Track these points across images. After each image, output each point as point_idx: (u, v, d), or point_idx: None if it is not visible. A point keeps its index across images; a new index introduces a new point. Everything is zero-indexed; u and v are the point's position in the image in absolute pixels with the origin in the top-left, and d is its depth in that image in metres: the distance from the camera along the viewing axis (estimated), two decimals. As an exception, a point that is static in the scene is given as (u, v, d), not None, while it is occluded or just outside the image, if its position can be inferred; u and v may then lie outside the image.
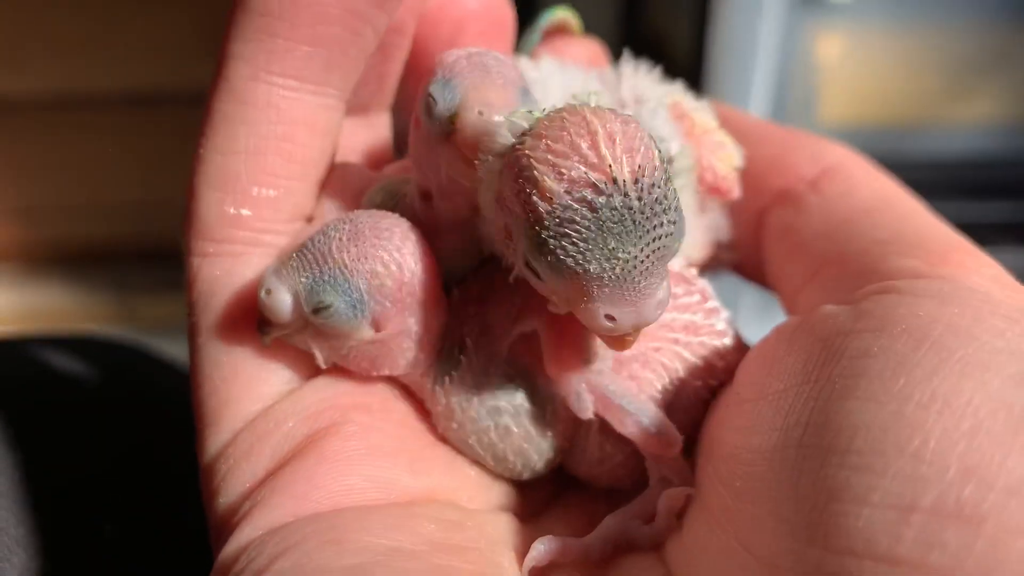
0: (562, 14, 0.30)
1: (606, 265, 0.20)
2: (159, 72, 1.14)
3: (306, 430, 0.24)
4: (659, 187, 0.20)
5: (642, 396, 0.24)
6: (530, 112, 0.21)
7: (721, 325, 0.26)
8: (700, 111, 0.28)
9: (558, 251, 0.20)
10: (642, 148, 0.20)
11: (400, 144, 0.29)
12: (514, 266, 0.22)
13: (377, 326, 0.24)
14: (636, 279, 0.20)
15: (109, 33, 1.12)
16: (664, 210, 0.20)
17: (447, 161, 0.23)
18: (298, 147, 0.25)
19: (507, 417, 0.25)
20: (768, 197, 0.28)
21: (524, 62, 0.27)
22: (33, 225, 1.19)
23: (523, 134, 0.21)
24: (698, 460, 0.24)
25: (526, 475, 0.26)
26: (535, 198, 0.20)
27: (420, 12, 0.27)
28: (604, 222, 0.20)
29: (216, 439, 0.25)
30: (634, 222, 0.20)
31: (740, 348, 0.26)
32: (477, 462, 0.26)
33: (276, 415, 0.24)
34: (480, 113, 0.22)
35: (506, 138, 0.21)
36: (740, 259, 0.30)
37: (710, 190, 0.28)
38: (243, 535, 0.22)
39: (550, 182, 0.20)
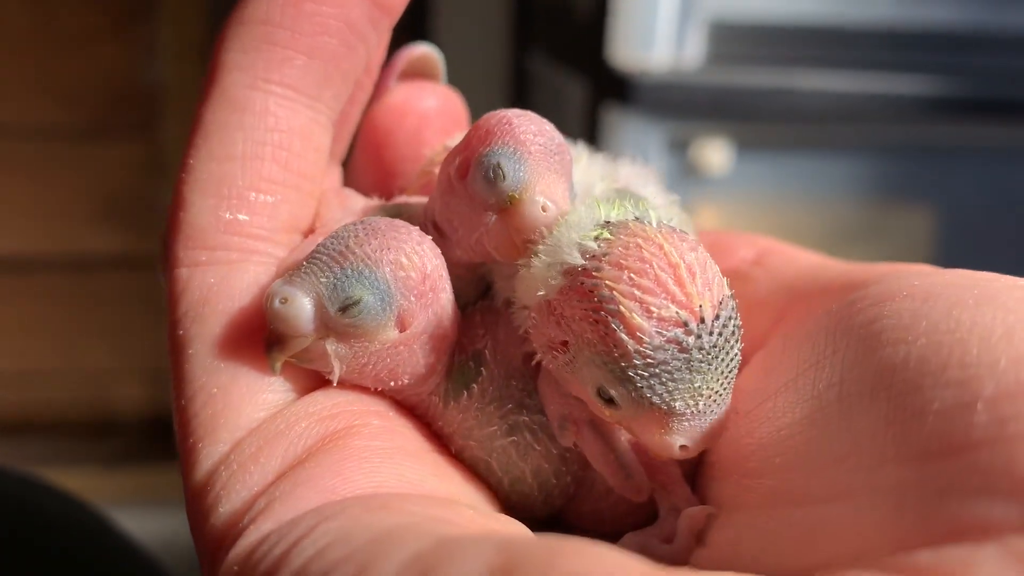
0: (427, 51, 0.30)
1: (690, 402, 0.20)
2: (23, 240, 1.12)
3: (322, 431, 0.22)
4: (732, 318, 0.21)
5: (622, 438, 0.23)
6: (597, 234, 0.21)
7: None
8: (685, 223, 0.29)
9: (644, 388, 0.20)
10: (715, 279, 0.21)
11: None
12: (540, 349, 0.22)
13: (402, 324, 0.23)
14: (714, 411, 0.21)
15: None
16: (736, 340, 0.21)
17: (491, 231, 0.23)
18: (294, 156, 0.25)
19: (528, 434, 0.24)
20: None
21: None
22: None
23: (593, 257, 0.20)
24: (709, 484, 0.23)
25: (539, 503, 0.24)
26: (622, 334, 0.20)
27: (381, 84, 0.29)
28: (693, 362, 0.20)
29: (212, 450, 0.22)
30: (717, 358, 0.20)
31: None
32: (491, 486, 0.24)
33: (287, 416, 0.22)
34: (544, 209, 0.22)
35: (575, 258, 0.21)
36: None
37: None
38: (261, 528, 0.20)
39: (639, 320, 0.20)
